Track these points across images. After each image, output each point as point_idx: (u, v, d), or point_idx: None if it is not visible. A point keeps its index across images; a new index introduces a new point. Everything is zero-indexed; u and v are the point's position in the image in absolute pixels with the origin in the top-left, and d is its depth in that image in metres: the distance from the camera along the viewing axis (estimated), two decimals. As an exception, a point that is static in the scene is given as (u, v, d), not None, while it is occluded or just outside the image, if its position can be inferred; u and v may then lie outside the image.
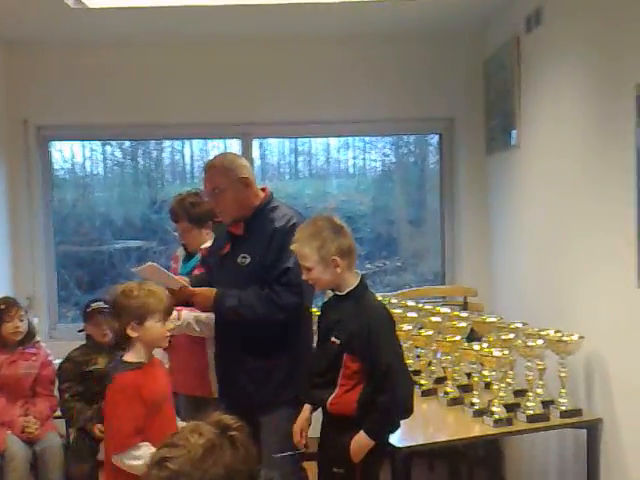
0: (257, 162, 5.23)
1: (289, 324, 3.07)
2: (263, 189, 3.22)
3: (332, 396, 2.71)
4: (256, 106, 4.69)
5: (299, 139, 5.51)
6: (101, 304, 3.98)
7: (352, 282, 2.73)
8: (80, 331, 4.08)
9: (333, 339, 2.72)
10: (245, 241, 3.14)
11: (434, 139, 5.19)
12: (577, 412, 3.09)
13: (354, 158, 5.64)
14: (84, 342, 4.04)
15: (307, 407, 2.88)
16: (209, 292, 3.08)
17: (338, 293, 2.77)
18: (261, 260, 3.06)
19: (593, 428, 3.05)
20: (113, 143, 5.37)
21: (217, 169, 3.14)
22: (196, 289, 3.11)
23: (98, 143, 5.32)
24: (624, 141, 2.79)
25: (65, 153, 5.33)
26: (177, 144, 5.49)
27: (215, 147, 5.43)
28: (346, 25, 4.41)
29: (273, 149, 5.62)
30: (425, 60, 4.73)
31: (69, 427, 3.99)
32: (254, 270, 3.06)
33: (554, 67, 3.56)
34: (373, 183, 5.60)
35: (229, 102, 4.69)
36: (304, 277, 2.76)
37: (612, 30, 2.95)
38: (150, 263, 3.15)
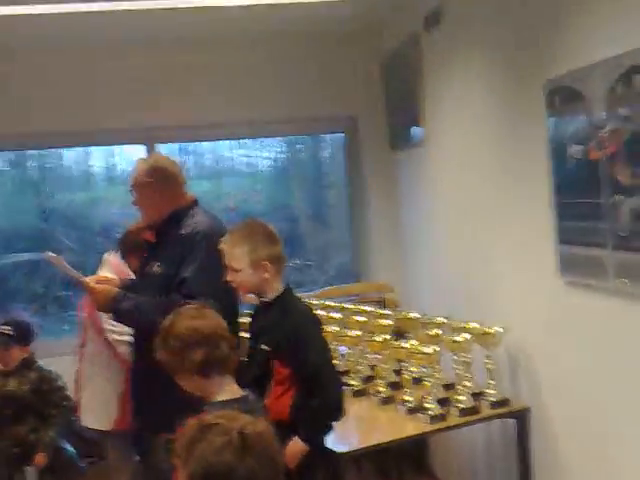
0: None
1: None
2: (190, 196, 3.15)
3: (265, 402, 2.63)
4: (155, 111, 4.50)
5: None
6: (3, 328, 3.68)
7: (278, 288, 2.70)
8: None
9: (262, 346, 2.68)
10: (157, 249, 3.08)
11: (328, 135, 5.18)
12: (506, 402, 3.15)
13: (246, 157, 5.52)
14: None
15: None
16: (109, 292, 2.96)
17: (264, 299, 2.73)
18: (168, 269, 2.97)
19: (522, 417, 3.12)
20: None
21: (142, 166, 3.09)
22: (97, 286, 2.98)
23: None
24: (535, 133, 2.84)
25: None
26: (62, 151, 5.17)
27: (95, 150, 5.17)
28: (245, 27, 4.30)
29: (161, 151, 5.42)
30: (324, 60, 4.67)
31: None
32: (164, 280, 2.97)
33: (458, 64, 3.60)
34: (269, 181, 5.50)
35: (128, 108, 4.47)
36: (228, 278, 2.67)
37: (517, 26, 2.99)
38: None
